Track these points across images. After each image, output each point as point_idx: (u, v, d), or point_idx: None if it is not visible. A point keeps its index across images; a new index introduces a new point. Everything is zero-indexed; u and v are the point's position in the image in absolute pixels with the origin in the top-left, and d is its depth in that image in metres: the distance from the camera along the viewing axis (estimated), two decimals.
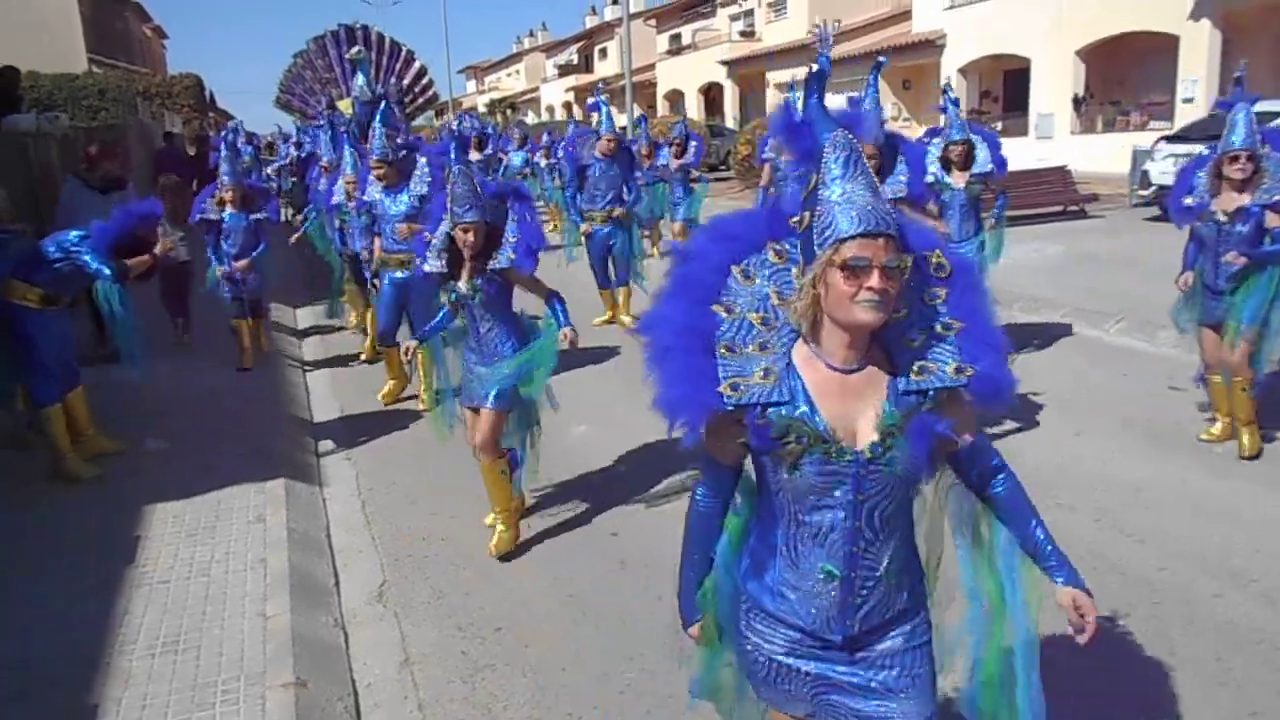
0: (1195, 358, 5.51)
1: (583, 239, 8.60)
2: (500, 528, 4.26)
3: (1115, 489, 4.63)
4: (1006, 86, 25.21)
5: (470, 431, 4.31)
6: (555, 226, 15.60)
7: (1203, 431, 5.27)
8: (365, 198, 6.52)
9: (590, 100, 8.77)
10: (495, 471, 4.23)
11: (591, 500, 4.80)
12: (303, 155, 17.89)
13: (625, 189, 8.43)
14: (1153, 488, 4.62)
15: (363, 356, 7.93)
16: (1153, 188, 13.08)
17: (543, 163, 16.44)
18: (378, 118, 6.16)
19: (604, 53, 49.53)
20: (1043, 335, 7.72)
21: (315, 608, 3.76)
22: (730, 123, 32.54)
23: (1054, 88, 21.99)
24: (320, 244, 8.86)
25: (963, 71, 24.87)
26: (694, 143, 11.87)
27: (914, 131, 28.44)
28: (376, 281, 6.50)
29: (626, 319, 8.57)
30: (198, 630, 3.50)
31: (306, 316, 9.96)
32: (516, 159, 15.84)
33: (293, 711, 3.00)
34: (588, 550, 4.26)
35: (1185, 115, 17.68)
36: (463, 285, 4.07)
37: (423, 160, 6.27)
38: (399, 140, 6.36)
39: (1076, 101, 21.79)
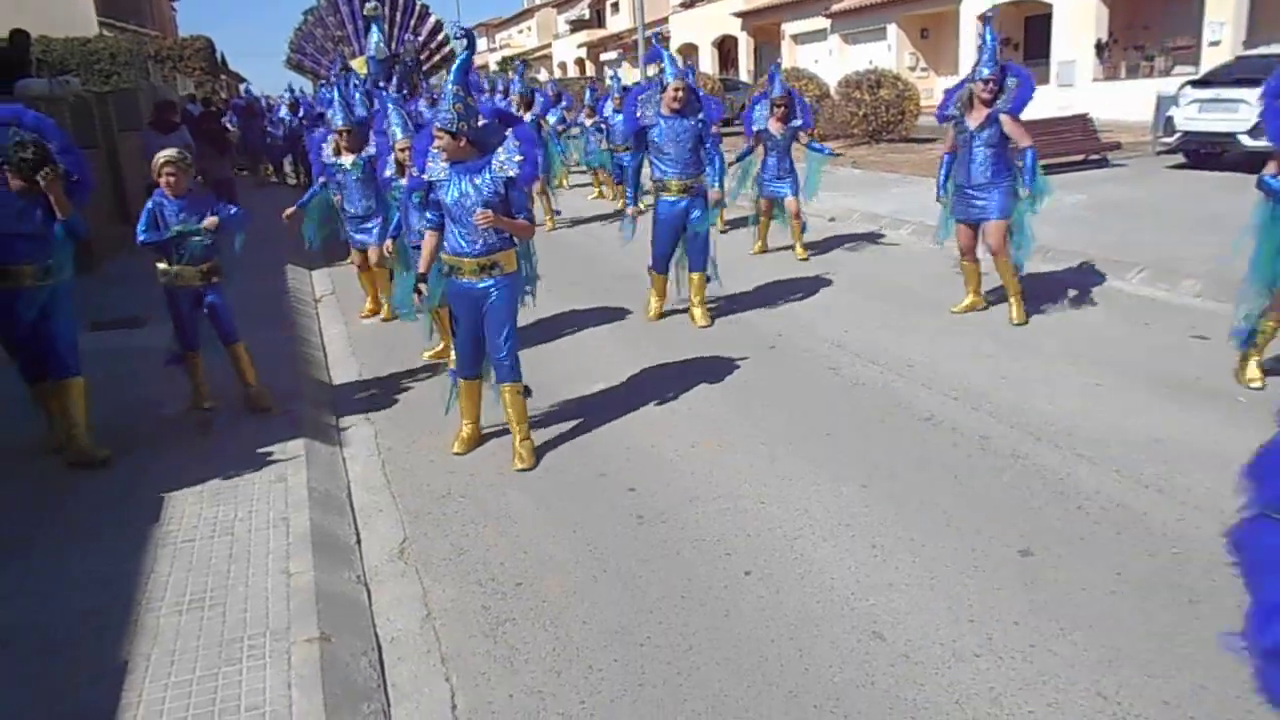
0: (1224, 306, 5.45)
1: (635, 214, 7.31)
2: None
3: (1135, 439, 4.60)
4: (1028, 33, 24.70)
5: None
6: (601, 194, 14.84)
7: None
8: (426, 176, 4.65)
9: (649, 50, 7.55)
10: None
11: (609, 457, 4.81)
12: (298, 119, 17.75)
13: (702, 150, 6.87)
14: (1173, 438, 4.59)
15: (364, 314, 8.12)
16: (1177, 134, 12.82)
17: (586, 122, 15.25)
18: (453, 73, 4.45)
19: (615, 7, 48.84)
20: (1063, 285, 7.63)
21: (337, 565, 3.81)
22: (745, 76, 32.10)
23: (1076, 33, 21.53)
24: (319, 227, 8.05)
25: (982, 18, 24.39)
26: (799, 104, 9.34)
27: (931, 83, 28.05)
28: (423, 286, 4.87)
29: (700, 313, 7.17)
30: (223, 588, 3.56)
31: (322, 280, 9.98)
32: (551, 117, 14.00)
33: (318, 665, 3.05)
34: (606, 506, 4.28)
35: (1211, 59, 17.27)
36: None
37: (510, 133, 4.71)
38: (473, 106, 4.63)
39: (1099, 47, 21.33)
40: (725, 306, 7.62)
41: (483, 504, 4.38)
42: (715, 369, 6.08)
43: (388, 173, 6.43)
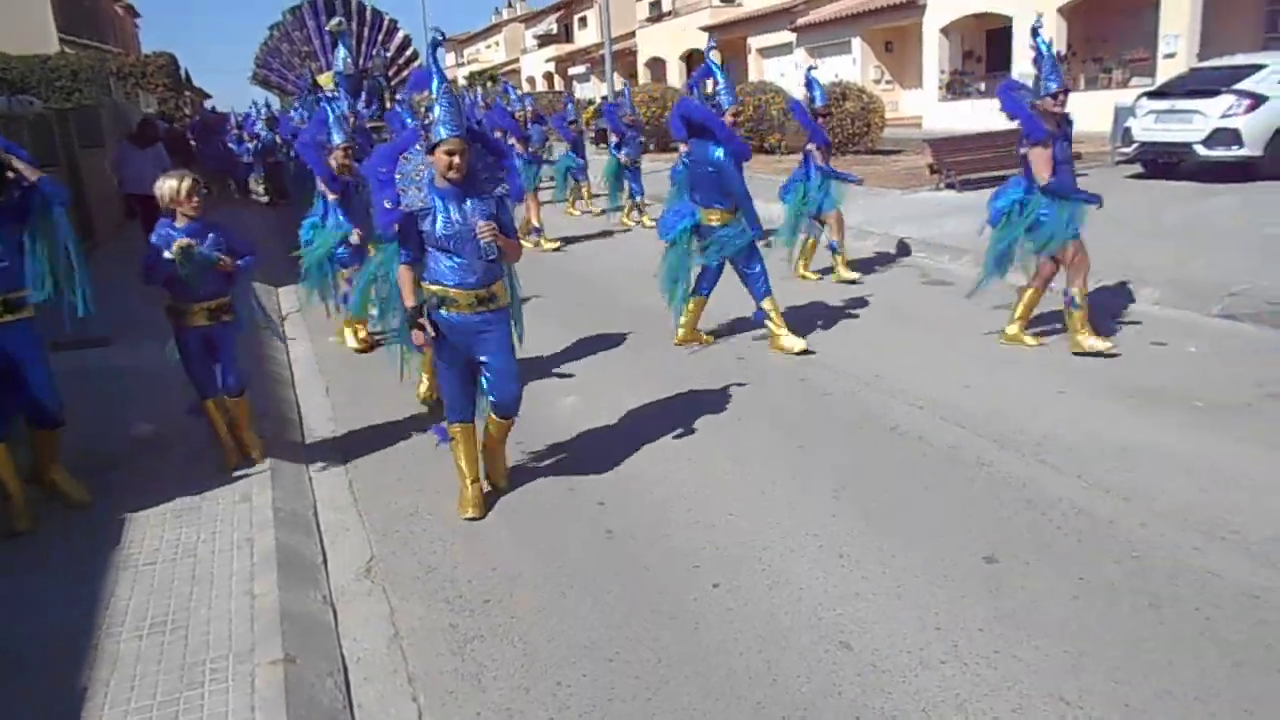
0: (1182, 313, 5.56)
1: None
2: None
3: (1099, 447, 4.66)
4: (989, 46, 25.08)
5: None
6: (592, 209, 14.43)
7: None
8: (403, 206, 4.22)
9: (702, 65, 6.53)
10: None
11: (579, 471, 4.80)
12: (274, 135, 17.55)
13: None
14: (1135, 445, 4.66)
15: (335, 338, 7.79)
16: (1135, 145, 13.05)
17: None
18: (436, 76, 4.02)
19: (584, 21, 49.03)
20: None
21: (303, 585, 3.76)
22: (711, 89, 32.28)
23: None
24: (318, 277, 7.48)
25: (944, 32, 24.73)
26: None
27: (896, 95, 28.36)
28: (425, 322, 4.14)
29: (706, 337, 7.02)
30: (185, 610, 3.50)
31: (288, 297, 9.88)
32: (533, 133, 13.57)
33: (282, 687, 3.01)
34: (575, 520, 4.27)
35: (1167, 70, 17.63)
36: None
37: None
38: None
39: (1059, 59, 21.72)
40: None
41: (451, 521, 4.35)
42: (684, 381, 6.10)
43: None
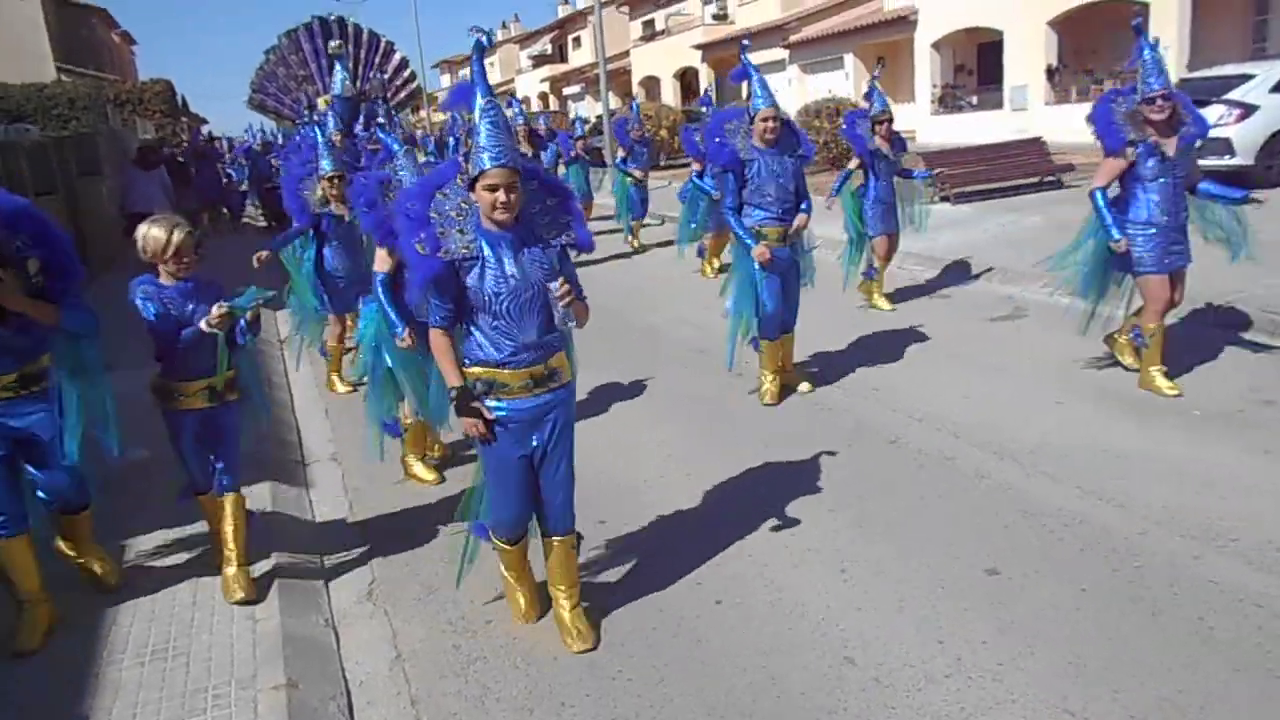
0: (1175, 321, 5.57)
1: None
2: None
3: (1095, 456, 4.67)
4: (980, 60, 25.23)
5: None
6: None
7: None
8: (443, 254, 3.21)
9: (738, 66, 5.83)
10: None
11: (579, 489, 4.79)
12: (269, 160, 17.60)
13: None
14: (1131, 453, 4.67)
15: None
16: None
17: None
18: (479, 86, 3.16)
19: (577, 42, 49.31)
20: (1022, 306, 7.77)
21: (305, 609, 3.76)
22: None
23: (1027, 59, 22.02)
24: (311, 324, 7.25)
25: (936, 46, 24.88)
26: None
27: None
28: (480, 406, 3.30)
29: (806, 385, 6.11)
30: (186, 637, 3.50)
31: (286, 319, 9.90)
32: (545, 155, 12.96)
33: (285, 713, 3.00)
34: None
35: None
36: None
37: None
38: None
39: (1050, 72, 21.83)
40: (687, 335, 7.65)
41: (452, 542, 4.34)
42: (679, 397, 6.11)
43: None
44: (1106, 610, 3.36)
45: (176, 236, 3.58)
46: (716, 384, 6.36)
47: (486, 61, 3.09)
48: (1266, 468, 4.39)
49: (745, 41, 6.21)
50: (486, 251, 3.05)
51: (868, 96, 7.94)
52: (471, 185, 3.00)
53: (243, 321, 3.67)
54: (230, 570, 3.81)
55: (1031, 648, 3.17)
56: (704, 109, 6.24)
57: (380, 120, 9.36)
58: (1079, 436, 4.93)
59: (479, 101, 2.95)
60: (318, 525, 4.69)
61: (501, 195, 2.95)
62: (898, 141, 7.81)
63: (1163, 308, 5.45)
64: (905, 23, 25.05)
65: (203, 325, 3.55)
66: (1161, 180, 5.24)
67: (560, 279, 3.01)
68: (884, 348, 6.89)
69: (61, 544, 3.92)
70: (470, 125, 3.06)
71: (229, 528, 3.88)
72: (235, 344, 3.73)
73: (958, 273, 9.17)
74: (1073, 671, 3.03)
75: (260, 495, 4.80)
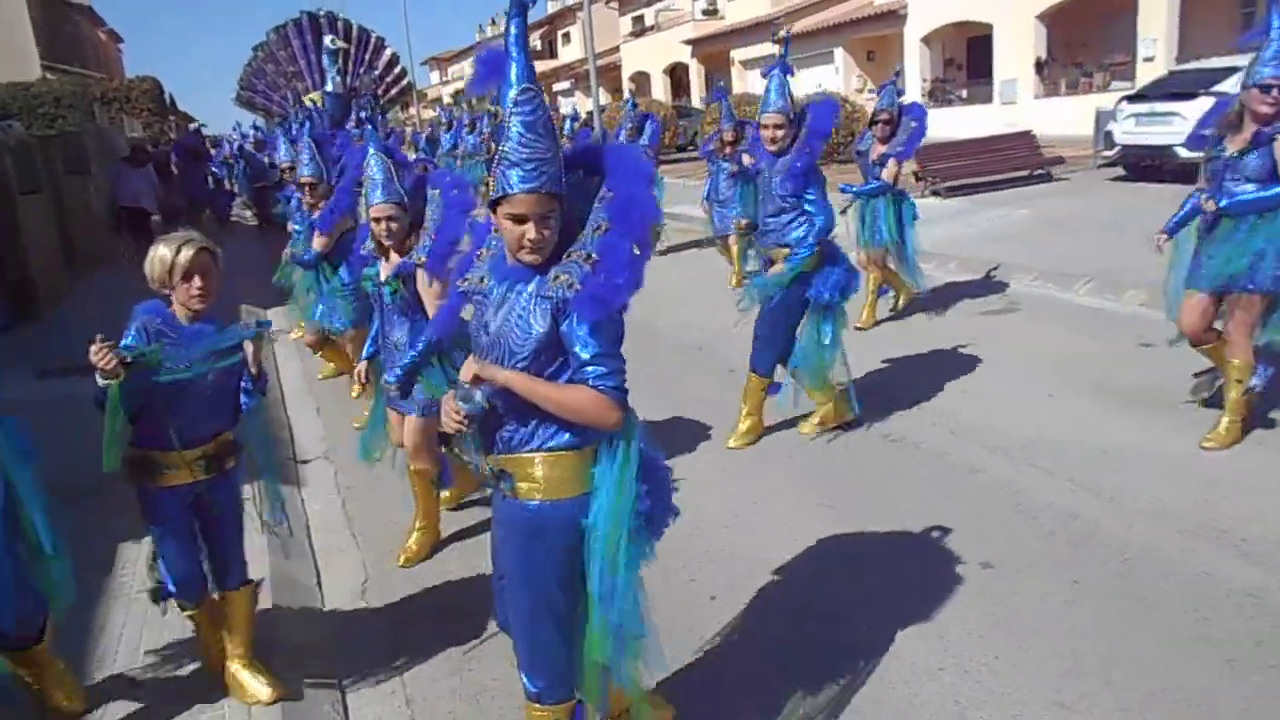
0: (1156, 314, 5.58)
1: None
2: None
3: (1088, 450, 4.68)
4: (970, 54, 25.28)
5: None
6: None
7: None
8: (462, 285, 2.49)
9: (778, 61, 5.30)
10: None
11: None
12: (262, 158, 17.48)
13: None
14: (1123, 447, 4.68)
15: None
16: (1116, 148, 13.16)
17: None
18: (517, 62, 2.24)
19: (567, 38, 49.19)
20: (1013, 300, 7.79)
21: (299, 608, 3.75)
22: (696, 103, 32.44)
23: (1016, 53, 22.08)
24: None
25: (925, 41, 24.92)
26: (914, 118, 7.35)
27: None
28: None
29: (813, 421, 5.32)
30: (180, 637, 3.48)
31: (278, 318, 9.86)
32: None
33: (279, 711, 2.99)
34: None
35: (1146, 74, 17.79)
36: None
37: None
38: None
39: (1039, 65, 21.89)
40: (687, 335, 7.65)
41: (446, 540, 4.33)
42: (677, 395, 6.10)
43: (365, 249, 4.21)
44: (1100, 604, 3.37)
45: (185, 254, 2.76)
46: (702, 379, 6.35)
47: (475, 58, 2.24)
48: (1258, 460, 4.40)
49: (785, 34, 5.74)
50: (490, 283, 2.25)
51: (881, 91, 7.58)
52: (493, 207, 2.14)
53: (246, 379, 2.97)
54: (239, 667, 3.07)
55: (1026, 641, 3.18)
56: (718, 102, 6.06)
57: (365, 115, 8.98)
58: (1072, 431, 4.94)
59: (511, 92, 2.07)
60: (310, 524, 4.67)
61: (532, 231, 2.07)
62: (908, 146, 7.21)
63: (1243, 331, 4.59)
64: (895, 17, 25.08)
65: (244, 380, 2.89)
66: (1221, 173, 4.59)
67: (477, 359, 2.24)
68: (875, 343, 6.90)
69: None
70: (477, 116, 2.68)
71: (238, 626, 3.08)
72: (239, 410, 3.02)
73: (949, 267, 9.18)
74: (1067, 665, 3.04)
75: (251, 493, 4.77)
